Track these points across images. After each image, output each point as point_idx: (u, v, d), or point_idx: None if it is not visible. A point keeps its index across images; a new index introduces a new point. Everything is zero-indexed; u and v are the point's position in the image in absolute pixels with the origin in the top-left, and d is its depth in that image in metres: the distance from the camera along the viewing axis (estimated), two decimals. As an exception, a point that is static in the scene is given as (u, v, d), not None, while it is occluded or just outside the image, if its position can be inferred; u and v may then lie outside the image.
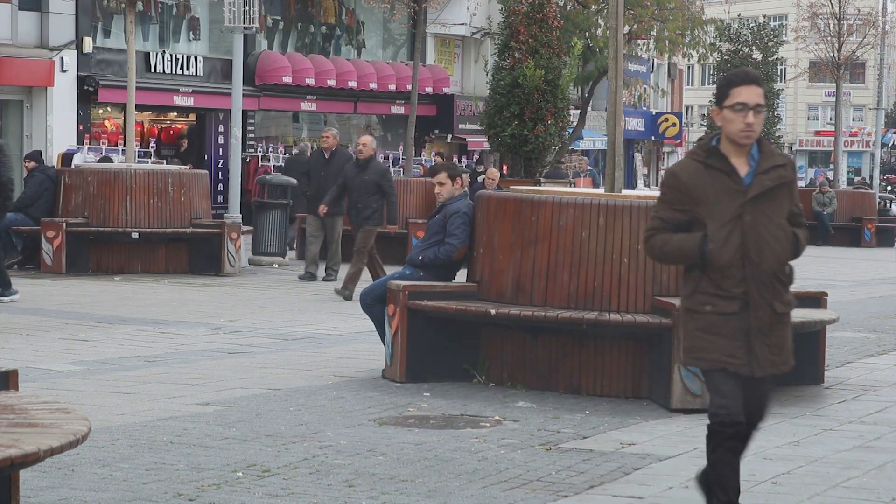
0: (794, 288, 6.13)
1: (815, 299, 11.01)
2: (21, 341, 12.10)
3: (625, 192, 10.99)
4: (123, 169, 19.76)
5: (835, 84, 42.91)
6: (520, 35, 29.90)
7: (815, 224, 34.87)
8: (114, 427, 8.24)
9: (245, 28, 23.34)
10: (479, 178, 26.38)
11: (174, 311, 14.93)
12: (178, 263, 19.63)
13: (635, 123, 49.58)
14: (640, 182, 53.21)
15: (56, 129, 28.74)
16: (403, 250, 20.76)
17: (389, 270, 12.00)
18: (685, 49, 38.90)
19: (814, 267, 26.45)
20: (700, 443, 8.28)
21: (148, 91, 29.81)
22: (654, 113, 53.65)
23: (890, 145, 71.23)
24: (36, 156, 20.54)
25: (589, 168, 34.20)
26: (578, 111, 37.04)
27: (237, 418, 8.67)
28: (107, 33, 30.70)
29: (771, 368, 5.94)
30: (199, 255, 19.63)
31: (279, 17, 35.72)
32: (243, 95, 24.09)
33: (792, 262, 6.04)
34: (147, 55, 30.73)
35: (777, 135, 46.93)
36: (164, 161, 29.04)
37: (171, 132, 34.04)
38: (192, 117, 33.68)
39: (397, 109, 37.33)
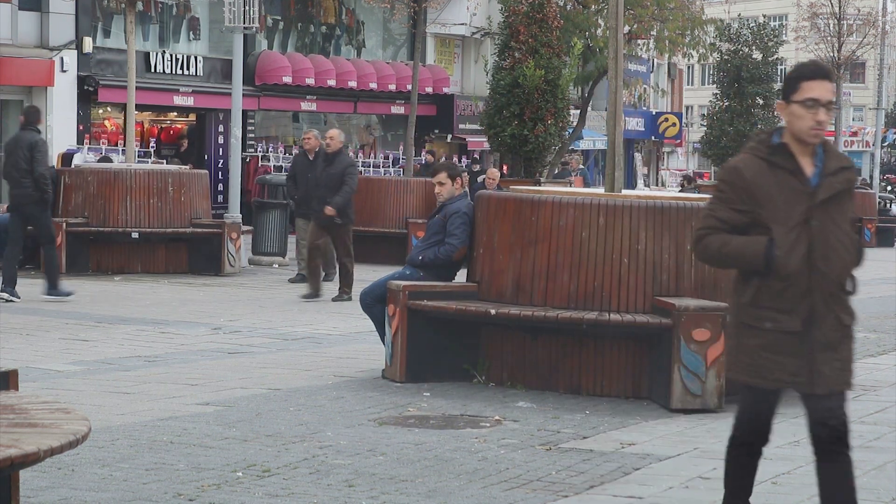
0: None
1: (815, 299, 11.00)
2: (21, 341, 12.10)
3: (625, 192, 10.99)
4: (123, 169, 19.77)
5: (835, 84, 42.87)
6: (520, 35, 29.89)
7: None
8: (114, 427, 8.24)
9: (245, 28, 23.33)
10: (480, 179, 26.38)
11: (174, 311, 14.93)
12: (178, 263, 19.63)
13: (635, 123, 49.58)
14: (640, 182, 53.24)
15: (56, 129, 28.73)
16: (403, 250, 20.77)
17: (389, 270, 11.96)
18: (685, 49, 38.89)
19: (814, 267, 26.44)
20: (700, 442, 8.30)
21: (148, 91, 29.80)
22: (654, 113, 53.66)
23: (889, 144, 71.22)
24: (36, 156, 20.50)
25: (580, 167, 34.20)
26: (578, 111, 37.04)
27: (237, 418, 8.67)
28: (107, 33, 30.70)
29: (837, 386, 5.53)
30: (199, 255, 19.63)
31: (279, 17, 35.71)
32: (243, 95, 24.09)
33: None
34: (147, 55, 30.72)
35: (777, 135, 46.85)
36: (164, 161, 29.03)
37: (171, 132, 34.04)
38: (192, 117, 33.67)
39: (397, 109, 37.33)
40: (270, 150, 33.38)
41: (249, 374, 10.58)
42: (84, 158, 26.30)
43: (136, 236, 19.06)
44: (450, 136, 39.75)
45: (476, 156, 39.54)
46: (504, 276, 10.28)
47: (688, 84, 77.00)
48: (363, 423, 8.63)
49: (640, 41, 39.73)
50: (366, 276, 17.10)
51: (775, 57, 46.73)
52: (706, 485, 7.15)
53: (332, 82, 34.64)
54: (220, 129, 32.89)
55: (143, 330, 13.20)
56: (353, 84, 35.38)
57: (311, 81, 34.04)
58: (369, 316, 10.98)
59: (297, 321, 14.28)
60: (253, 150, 33.10)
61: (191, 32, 33.06)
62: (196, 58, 32.08)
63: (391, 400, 9.53)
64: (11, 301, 15.33)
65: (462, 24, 39.48)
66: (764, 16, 56.85)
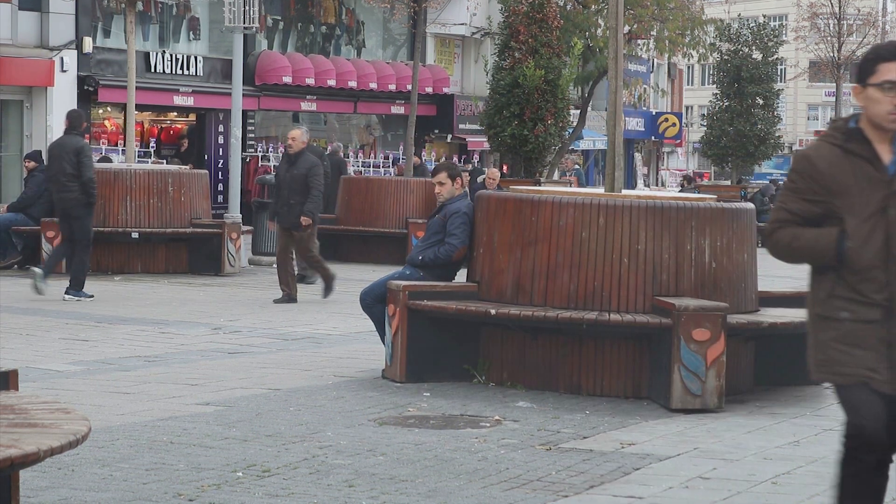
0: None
1: (815, 299, 11.00)
2: (21, 341, 12.10)
3: (625, 192, 10.99)
4: (123, 169, 19.76)
5: (835, 84, 42.93)
6: (520, 35, 29.92)
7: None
8: (114, 427, 8.24)
9: (245, 28, 23.33)
10: (479, 179, 26.39)
11: (174, 311, 14.93)
12: (178, 263, 19.63)
13: (635, 123, 49.60)
14: (640, 182, 53.26)
15: (56, 129, 28.70)
16: (403, 250, 20.76)
17: (389, 270, 11.95)
18: (685, 49, 38.92)
19: (814, 267, 26.45)
20: (700, 442, 8.31)
21: (148, 91, 29.81)
22: (654, 113, 53.67)
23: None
24: (36, 156, 20.54)
25: (576, 167, 34.27)
26: (578, 111, 37.06)
27: (237, 418, 8.67)
28: (107, 33, 30.71)
29: None
30: (199, 255, 19.63)
31: (279, 17, 35.73)
32: (243, 95, 24.10)
33: None
34: (147, 55, 30.73)
35: (777, 135, 46.94)
36: (164, 161, 29.05)
37: (171, 132, 34.05)
38: (192, 117, 33.68)
39: (397, 109, 37.34)
40: (270, 150, 33.39)
41: (249, 374, 10.58)
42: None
43: (136, 236, 19.06)
44: (450, 136, 39.76)
45: (474, 157, 39.52)
46: (504, 276, 10.28)
47: (688, 84, 77.01)
48: (363, 423, 8.63)
49: (640, 41, 39.76)
50: (366, 276, 17.10)
51: (775, 57, 46.74)
52: (706, 485, 7.15)
53: (332, 82, 34.65)
54: (220, 129, 32.90)
55: (143, 330, 13.20)
56: (353, 84, 35.39)
57: (311, 81, 34.04)
58: (369, 316, 10.98)
59: (297, 321, 14.27)
60: (253, 150, 33.11)
61: (191, 32, 33.07)
62: (196, 58, 32.09)
63: (391, 400, 9.53)
64: (81, 300, 15.53)
65: (462, 24, 39.49)
66: (764, 16, 56.84)
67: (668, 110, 56.98)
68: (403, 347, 10.20)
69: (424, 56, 36.80)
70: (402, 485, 6.99)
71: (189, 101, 31.75)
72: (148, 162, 26.24)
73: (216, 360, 11.32)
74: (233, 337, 12.89)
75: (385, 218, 22.88)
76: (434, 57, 39.85)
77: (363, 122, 39.37)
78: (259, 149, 33.43)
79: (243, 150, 28.05)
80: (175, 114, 33.74)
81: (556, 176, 32.67)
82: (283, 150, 19.26)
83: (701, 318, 9.35)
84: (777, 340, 10.61)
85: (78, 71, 29.08)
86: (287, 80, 33.36)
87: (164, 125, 34.06)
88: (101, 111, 31.28)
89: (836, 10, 42.11)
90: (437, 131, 39.33)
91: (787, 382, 10.67)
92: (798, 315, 10.40)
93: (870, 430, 5.01)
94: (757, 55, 45.38)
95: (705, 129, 48.14)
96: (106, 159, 25.51)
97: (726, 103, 45.45)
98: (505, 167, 32.87)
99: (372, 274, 15.86)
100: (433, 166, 22.42)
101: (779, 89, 49.37)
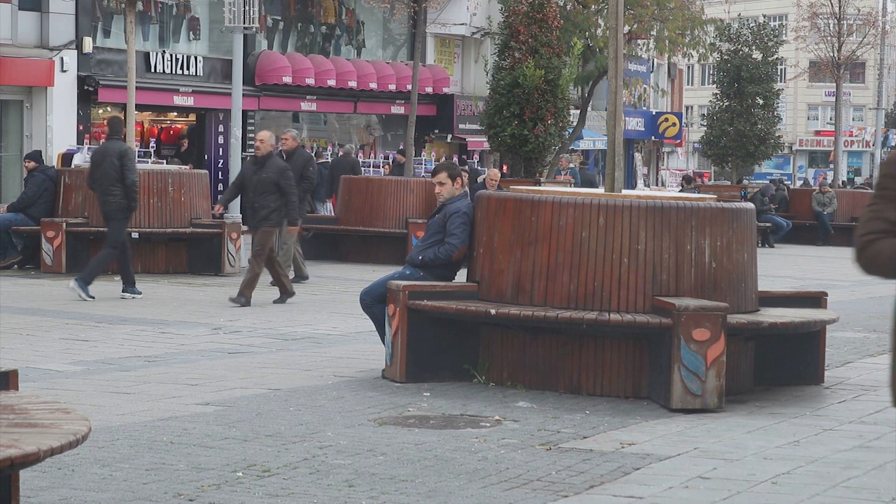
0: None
1: (815, 299, 11.02)
2: (21, 341, 12.10)
3: (625, 192, 10.99)
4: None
5: (835, 84, 42.92)
6: (520, 35, 29.92)
7: (816, 224, 34.92)
8: (114, 427, 8.24)
9: (245, 28, 23.33)
10: (480, 179, 26.40)
11: (174, 311, 14.93)
12: (178, 263, 19.64)
13: (635, 123, 49.59)
14: (640, 182, 53.25)
15: (56, 129, 28.75)
16: (403, 250, 20.77)
17: (389, 270, 11.95)
18: (685, 49, 38.91)
19: (814, 267, 26.47)
20: (700, 442, 8.31)
21: (148, 91, 29.82)
22: (654, 113, 53.66)
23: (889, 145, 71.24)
24: (36, 156, 20.56)
25: (570, 166, 34.32)
26: (578, 111, 37.06)
27: (237, 418, 8.67)
28: (107, 33, 30.71)
29: None
30: (199, 255, 19.63)
31: (279, 17, 35.73)
32: (243, 95, 24.09)
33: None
34: (147, 55, 30.74)
35: (777, 135, 46.94)
36: (164, 161, 29.04)
37: (171, 132, 34.06)
38: (192, 117, 33.69)
39: (397, 109, 37.34)
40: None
41: (249, 374, 10.58)
42: (84, 158, 26.26)
43: (136, 236, 19.05)
44: (450, 136, 39.77)
45: (474, 157, 39.52)
46: (504, 276, 10.28)
47: (688, 84, 77.01)
48: (363, 423, 8.63)
49: (640, 41, 39.76)
50: (366, 276, 17.10)
51: (775, 57, 46.73)
52: (706, 485, 7.15)
53: (332, 82, 34.65)
54: (220, 129, 32.91)
55: (143, 330, 13.20)
56: (353, 84, 35.39)
57: (311, 81, 34.05)
58: (369, 316, 10.98)
59: (297, 321, 14.28)
60: (253, 150, 33.08)
61: (191, 32, 33.08)
62: (196, 58, 32.09)
63: (391, 400, 9.53)
64: (135, 297, 15.85)
65: (462, 24, 39.50)
66: (764, 16, 56.89)
67: (668, 110, 56.97)
68: (403, 347, 10.20)
69: (424, 56, 36.81)
70: (402, 485, 6.99)
71: (189, 101, 31.75)
72: (148, 162, 26.23)
73: (216, 360, 11.32)
74: (233, 337, 12.89)
75: (385, 218, 22.89)
76: (434, 57, 39.86)
77: (363, 122, 39.37)
78: (259, 149, 33.38)
79: (243, 150, 27.98)
80: (175, 114, 33.74)
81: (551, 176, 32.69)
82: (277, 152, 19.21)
83: (701, 318, 9.35)
84: (777, 340, 10.62)
85: (78, 71, 29.09)
86: (287, 80, 33.36)
87: (164, 125, 34.07)
88: (101, 111, 31.27)
89: (836, 10, 42.06)
90: (437, 131, 39.35)
91: (787, 382, 10.67)
92: (798, 315, 10.41)
93: None
94: (757, 55, 45.35)
95: (705, 129, 48.12)
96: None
97: (726, 103, 45.44)
98: (505, 167, 32.86)
99: (372, 274, 15.88)
100: (433, 166, 22.41)
101: (779, 89, 49.36)
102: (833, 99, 51.19)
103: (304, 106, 35.19)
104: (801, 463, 7.75)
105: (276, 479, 7.02)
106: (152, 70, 30.89)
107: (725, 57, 45.17)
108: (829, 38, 42.35)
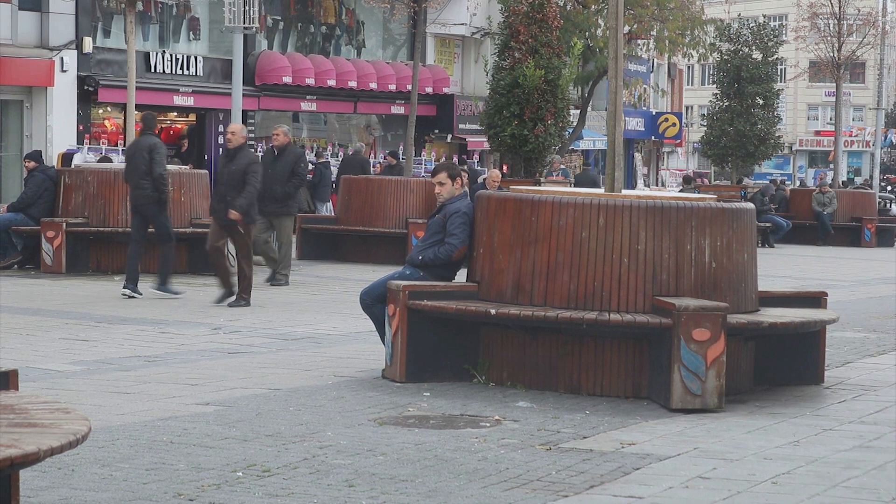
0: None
1: (815, 299, 11.02)
2: (21, 341, 12.10)
3: (625, 192, 10.99)
4: (123, 169, 19.74)
5: (835, 84, 42.92)
6: (520, 35, 29.93)
7: (815, 224, 34.92)
8: (114, 427, 8.24)
9: (245, 28, 23.36)
10: (480, 180, 26.41)
11: (174, 311, 14.93)
12: (178, 263, 19.60)
13: (635, 123, 49.59)
14: (640, 182, 53.25)
15: (56, 129, 28.75)
16: (403, 250, 20.77)
17: (389, 270, 11.95)
18: (685, 49, 38.94)
19: (814, 267, 26.47)
20: (700, 442, 8.31)
21: (148, 91, 29.82)
22: (654, 113, 53.67)
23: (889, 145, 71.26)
24: (36, 156, 20.55)
25: (562, 167, 34.37)
26: (578, 111, 37.06)
27: (237, 418, 8.67)
28: (107, 33, 30.71)
29: None
30: (199, 255, 19.59)
31: (279, 17, 35.73)
32: (243, 95, 24.13)
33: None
34: (147, 55, 30.74)
35: (777, 135, 46.94)
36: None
37: (172, 132, 34.05)
38: (192, 117, 33.69)
39: (397, 109, 37.34)
40: (271, 150, 33.36)
41: (249, 374, 10.58)
42: (84, 158, 26.32)
43: (136, 236, 19.04)
44: (450, 136, 39.77)
45: (474, 157, 39.52)
46: (504, 276, 10.28)
47: (688, 84, 77.01)
48: (363, 423, 8.63)
49: (640, 41, 39.79)
50: (366, 276, 17.10)
51: (775, 57, 46.76)
52: (706, 485, 7.15)
53: (332, 82, 34.65)
54: (221, 129, 32.90)
55: (143, 330, 13.20)
56: (353, 84, 35.39)
57: (311, 81, 34.05)
58: (369, 316, 10.98)
59: (297, 321, 14.28)
60: (253, 150, 33.05)
61: (191, 32, 33.08)
62: (196, 58, 32.09)
63: (391, 400, 9.53)
64: (133, 297, 15.85)
65: (462, 24, 39.50)
66: (764, 16, 56.90)
67: (668, 110, 56.97)
68: (403, 347, 10.20)
69: (424, 56, 36.81)
70: (402, 485, 6.99)
71: (189, 101, 31.75)
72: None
73: (216, 360, 11.32)
74: (233, 337, 12.89)
75: (385, 218, 22.89)
76: (434, 57, 39.86)
77: (363, 123, 39.37)
78: (259, 149, 33.38)
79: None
80: (175, 114, 33.74)
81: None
82: (269, 147, 19.22)
83: (701, 318, 9.35)
84: (777, 340, 10.62)
85: (78, 71, 29.09)
86: (287, 80, 33.36)
87: (164, 125, 34.06)
88: (101, 111, 31.28)
89: (836, 10, 42.06)
90: (437, 131, 39.35)
91: (786, 382, 10.67)
92: (798, 315, 10.41)
93: None
94: (757, 55, 45.38)
95: (705, 129, 48.13)
96: (106, 159, 25.50)
97: (726, 103, 45.46)
98: (505, 167, 32.86)
99: (372, 274, 15.88)
100: (433, 166, 22.43)
101: (779, 89, 49.38)
102: (833, 99, 51.19)
103: (304, 106, 35.18)
104: (801, 463, 7.75)
105: (276, 479, 7.02)
106: (152, 70, 30.89)
107: (725, 57, 45.20)
108: (829, 38, 42.35)
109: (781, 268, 24.69)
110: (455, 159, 36.39)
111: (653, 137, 54.10)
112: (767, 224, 32.24)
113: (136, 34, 23.88)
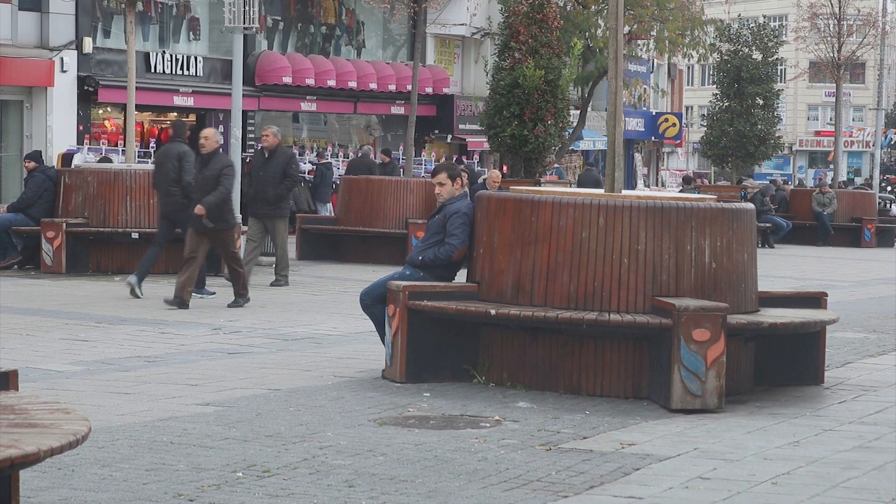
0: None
1: (815, 300, 11.02)
2: (21, 341, 12.10)
3: (625, 192, 10.99)
4: (123, 169, 19.76)
5: (835, 84, 42.92)
6: (520, 35, 29.92)
7: (815, 224, 34.92)
8: (114, 427, 8.24)
9: (245, 28, 23.32)
10: (480, 180, 26.42)
11: (174, 311, 14.92)
12: (177, 263, 19.57)
13: (635, 123, 49.59)
14: (640, 182, 53.25)
15: (56, 129, 28.75)
16: (403, 250, 20.77)
17: (389, 270, 11.95)
18: (685, 49, 38.93)
19: (814, 267, 26.47)
20: (700, 443, 8.31)
21: (148, 91, 29.82)
22: (654, 113, 53.67)
23: (889, 145, 71.24)
24: (36, 156, 20.56)
25: (556, 166, 34.37)
26: (578, 111, 37.05)
27: (237, 418, 8.67)
28: (107, 33, 30.71)
29: None
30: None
31: (279, 17, 35.73)
32: (243, 95, 24.08)
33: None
34: (147, 55, 30.74)
35: (777, 135, 46.93)
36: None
37: (172, 133, 34.02)
38: (192, 117, 33.68)
39: (397, 109, 37.34)
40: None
41: (249, 374, 10.58)
42: (84, 159, 26.33)
43: (136, 236, 19.07)
44: (450, 137, 39.77)
45: (474, 157, 39.51)
46: (504, 276, 10.28)
47: (688, 84, 77.01)
48: (363, 424, 8.63)
49: (640, 41, 39.79)
50: (366, 276, 17.10)
51: (775, 57, 46.75)
52: (706, 485, 7.15)
53: (332, 82, 34.65)
54: (220, 129, 32.88)
55: (143, 330, 13.20)
56: (353, 84, 35.39)
57: (311, 82, 34.05)
58: (369, 316, 10.97)
59: (297, 321, 14.28)
60: (253, 150, 33.09)
61: (191, 32, 33.08)
62: (196, 58, 32.09)
63: (391, 400, 9.53)
64: (135, 293, 15.88)
65: (462, 24, 39.50)
66: (764, 16, 56.91)
67: (668, 110, 56.98)
68: (403, 347, 10.20)
69: (424, 56, 36.80)
70: (402, 485, 6.99)
71: (189, 102, 31.75)
72: (148, 162, 26.22)
73: (216, 360, 11.32)
74: (233, 337, 12.90)
75: (385, 218, 22.89)
76: (434, 57, 39.86)
77: (363, 123, 39.37)
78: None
79: (243, 150, 28.02)
80: (175, 114, 33.73)
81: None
82: (259, 149, 19.13)
83: (701, 318, 9.35)
84: (777, 340, 10.62)
85: (78, 71, 29.08)
86: (287, 80, 33.36)
87: (164, 125, 34.06)
88: (101, 111, 31.27)
89: (836, 10, 42.05)
90: (437, 131, 39.35)
91: (786, 382, 10.67)
92: (798, 315, 10.41)
93: None
94: (757, 55, 45.37)
95: (705, 129, 48.12)
96: (106, 160, 25.52)
97: (726, 103, 45.46)
98: (505, 167, 32.86)
99: (372, 274, 15.88)
100: (433, 167, 22.43)
101: (779, 89, 49.37)
102: (833, 99, 51.19)
103: (304, 106, 35.18)
104: (801, 463, 7.75)
105: (276, 480, 7.02)
106: (152, 70, 30.89)
107: (725, 57, 45.19)
108: (829, 39, 42.33)
109: (781, 268, 24.69)
110: (454, 159, 36.37)
111: (653, 138, 54.10)
112: (767, 224, 32.24)
113: (136, 34, 23.87)
